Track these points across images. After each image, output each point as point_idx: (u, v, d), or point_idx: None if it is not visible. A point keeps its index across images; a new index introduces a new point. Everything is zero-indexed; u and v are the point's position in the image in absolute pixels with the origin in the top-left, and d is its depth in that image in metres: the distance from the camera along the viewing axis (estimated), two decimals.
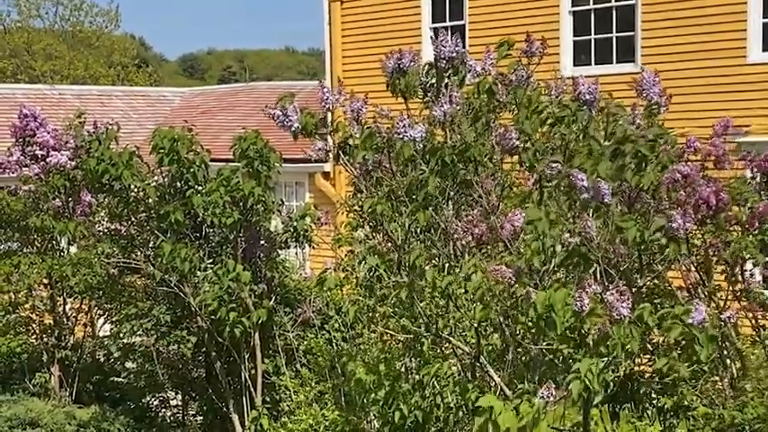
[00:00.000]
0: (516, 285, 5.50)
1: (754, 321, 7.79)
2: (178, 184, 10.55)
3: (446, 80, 6.94)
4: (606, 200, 5.57)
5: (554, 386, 5.21)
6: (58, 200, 11.37)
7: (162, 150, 10.30)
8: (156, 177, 10.69)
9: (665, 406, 8.00)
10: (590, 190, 5.58)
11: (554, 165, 5.94)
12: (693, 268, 7.47)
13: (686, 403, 7.90)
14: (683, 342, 5.08)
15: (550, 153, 6.22)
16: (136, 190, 10.64)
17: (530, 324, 5.47)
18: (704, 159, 7.37)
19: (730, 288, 7.66)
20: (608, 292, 5.09)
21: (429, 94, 7.02)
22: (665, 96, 6.43)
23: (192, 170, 10.37)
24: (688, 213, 5.68)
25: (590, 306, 5.07)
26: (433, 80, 7.00)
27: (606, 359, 5.03)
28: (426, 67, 7.04)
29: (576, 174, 5.61)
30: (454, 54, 6.90)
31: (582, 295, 5.06)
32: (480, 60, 6.80)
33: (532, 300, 5.24)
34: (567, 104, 6.21)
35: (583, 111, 6.15)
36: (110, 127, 10.91)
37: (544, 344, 5.74)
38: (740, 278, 7.59)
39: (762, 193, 7.47)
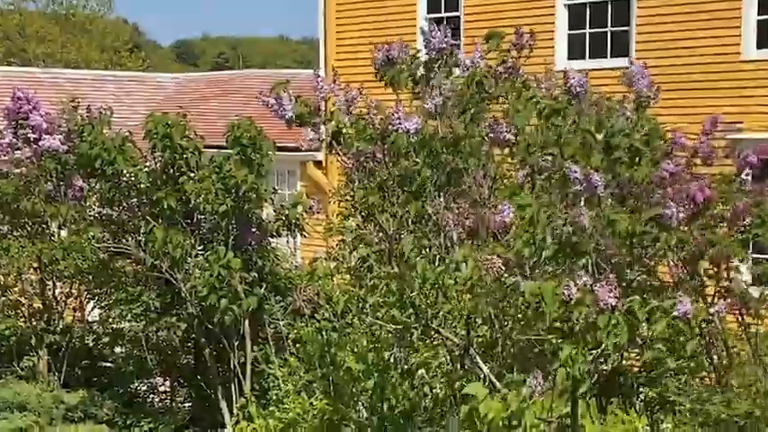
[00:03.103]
0: (506, 275, 5.51)
1: (740, 318, 7.82)
2: (171, 170, 10.55)
3: (436, 72, 6.94)
4: (599, 191, 5.59)
5: (542, 377, 5.23)
6: (49, 183, 11.35)
7: (155, 136, 10.31)
8: (148, 163, 10.69)
9: (653, 400, 8.04)
10: (582, 182, 5.60)
11: (547, 157, 5.96)
12: (681, 264, 7.50)
13: (673, 398, 7.94)
14: (670, 337, 5.12)
15: (541, 146, 6.23)
16: (128, 175, 10.63)
17: (519, 315, 5.49)
18: (692, 156, 7.39)
19: (716, 286, 7.69)
20: (597, 284, 5.12)
21: (419, 85, 7.02)
22: (654, 89, 6.43)
23: (185, 156, 10.37)
24: (681, 207, 5.71)
25: (578, 296, 5.09)
26: (423, 71, 7.00)
27: (594, 350, 5.06)
28: (414, 58, 7.03)
29: (568, 166, 5.63)
30: (444, 45, 6.90)
31: (570, 284, 5.09)
32: (470, 53, 6.80)
33: (522, 289, 5.26)
34: (558, 97, 6.22)
35: (574, 104, 6.16)
36: (103, 111, 10.90)
37: (533, 335, 5.76)
38: (725, 275, 7.62)
39: (747, 190, 7.50)
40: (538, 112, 6.18)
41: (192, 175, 10.32)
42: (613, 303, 5.03)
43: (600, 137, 5.99)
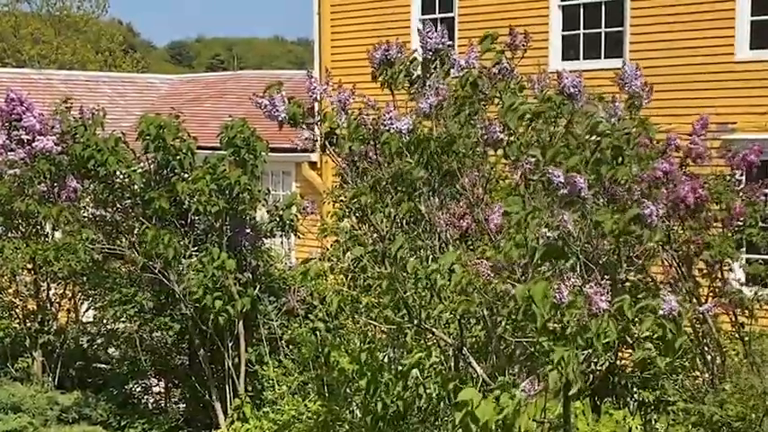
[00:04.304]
0: (496, 280, 5.52)
1: (733, 318, 7.84)
2: (164, 171, 10.54)
3: (432, 72, 6.94)
4: (583, 193, 5.58)
5: (535, 378, 5.24)
6: (43, 185, 11.33)
7: (148, 137, 10.30)
8: (142, 164, 10.68)
9: (646, 400, 8.05)
10: (566, 185, 5.59)
11: (531, 159, 5.95)
12: (675, 264, 7.51)
13: (666, 398, 7.95)
14: (659, 336, 5.12)
15: (534, 147, 6.23)
16: (121, 176, 10.63)
17: (512, 316, 5.49)
18: (686, 156, 7.41)
19: (710, 285, 7.70)
20: (587, 286, 5.12)
21: (415, 86, 7.02)
22: (647, 89, 6.44)
23: (178, 157, 10.36)
24: (665, 207, 5.72)
25: (569, 298, 5.09)
26: (419, 72, 7.00)
27: (585, 351, 5.06)
28: (411, 58, 7.03)
29: (551, 169, 5.62)
30: (440, 46, 6.90)
31: (561, 287, 5.09)
32: (464, 54, 6.80)
33: (512, 293, 5.26)
34: (551, 98, 6.21)
35: (567, 105, 6.16)
36: (96, 113, 10.90)
37: (525, 337, 5.76)
38: (719, 275, 7.64)
39: (739, 191, 7.52)
40: (519, 117, 6.18)
41: (186, 176, 10.32)
42: (605, 307, 5.03)
43: (587, 137, 5.98)
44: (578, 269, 5.59)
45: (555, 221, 5.47)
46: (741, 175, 7.82)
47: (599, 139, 5.88)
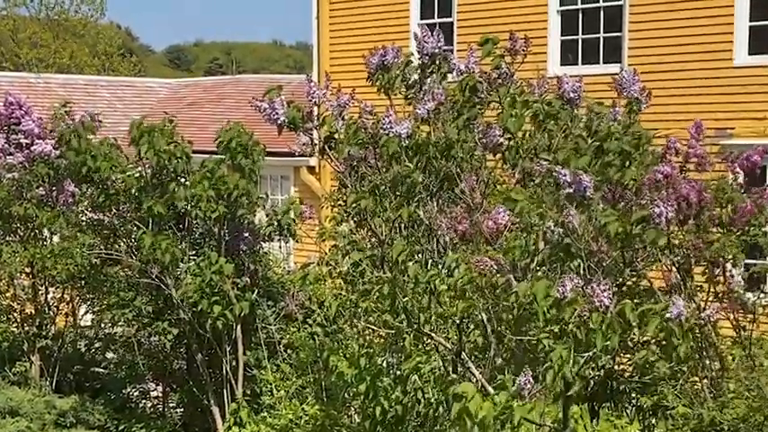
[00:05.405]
0: (498, 276, 5.51)
1: (734, 322, 7.83)
2: (161, 175, 10.50)
3: (429, 76, 6.94)
4: (588, 193, 5.58)
5: (533, 380, 5.23)
6: (41, 188, 11.32)
7: (141, 143, 10.25)
8: (139, 168, 10.66)
9: (645, 405, 8.04)
10: (572, 184, 5.59)
11: (543, 162, 5.95)
12: (674, 268, 7.51)
13: (665, 403, 7.94)
14: (663, 339, 5.11)
15: (533, 151, 6.24)
16: (118, 181, 10.60)
17: (511, 316, 5.48)
18: (685, 161, 7.42)
19: (711, 289, 7.70)
20: (589, 287, 5.11)
21: (412, 90, 7.02)
22: (646, 94, 6.45)
23: (173, 162, 10.32)
24: (670, 207, 5.72)
25: (571, 296, 5.08)
26: (416, 76, 7.00)
27: (586, 353, 5.05)
28: (407, 63, 7.03)
29: (558, 169, 5.63)
30: (437, 50, 6.90)
31: (565, 282, 5.09)
32: (463, 58, 6.80)
33: (514, 288, 5.26)
34: (551, 102, 6.23)
35: (567, 109, 6.17)
36: (89, 119, 10.87)
37: (525, 338, 5.76)
38: (721, 278, 7.63)
39: (751, 192, 7.52)
40: (533, 116, 6.18)
41: (183, 180, 10.29)
42: (607, 303, 5.02)
43: (591, 141, 5.99)
44: (581, 271, 5.59)
45: (561, 218, 5.47)
46: (737, 178, 7.82)
47: (599, 143, 5.89)
